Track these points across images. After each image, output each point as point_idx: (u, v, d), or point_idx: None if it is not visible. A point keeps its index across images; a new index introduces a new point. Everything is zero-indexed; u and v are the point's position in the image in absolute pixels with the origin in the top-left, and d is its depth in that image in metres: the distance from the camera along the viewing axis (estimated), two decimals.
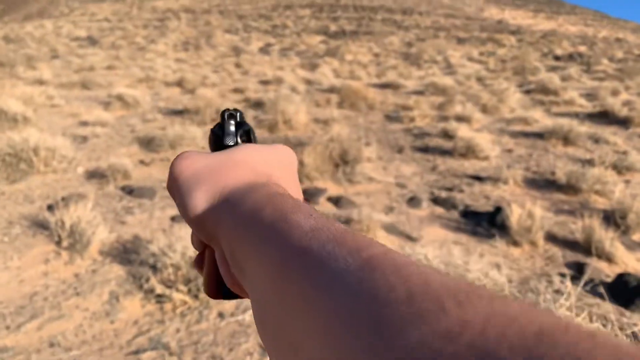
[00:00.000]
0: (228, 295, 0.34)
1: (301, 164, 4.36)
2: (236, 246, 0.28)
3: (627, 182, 4.65)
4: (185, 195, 0.33)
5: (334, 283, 0.20)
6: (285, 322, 0.22)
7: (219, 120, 0.40)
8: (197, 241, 0.36)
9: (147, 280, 2.54)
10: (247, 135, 0.39)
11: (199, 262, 0.36)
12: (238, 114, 0.39)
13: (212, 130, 0.39)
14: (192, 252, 2.61)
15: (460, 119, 7.05)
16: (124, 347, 2.12)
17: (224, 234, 0.30)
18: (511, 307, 0.16)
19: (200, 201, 0.32)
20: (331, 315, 0.19)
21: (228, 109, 0.39)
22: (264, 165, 0.35)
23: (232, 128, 0.38)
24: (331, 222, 0.25)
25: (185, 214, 0.33)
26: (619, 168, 4.90)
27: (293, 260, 0.23)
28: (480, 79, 12.84)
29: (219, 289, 0.34)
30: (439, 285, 0.18)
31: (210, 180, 0.33)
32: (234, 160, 0.34)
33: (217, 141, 0.39)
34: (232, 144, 0.38)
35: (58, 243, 2.97)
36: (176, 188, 0.34)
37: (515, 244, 3.23)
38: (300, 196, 0.36)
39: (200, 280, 2.51)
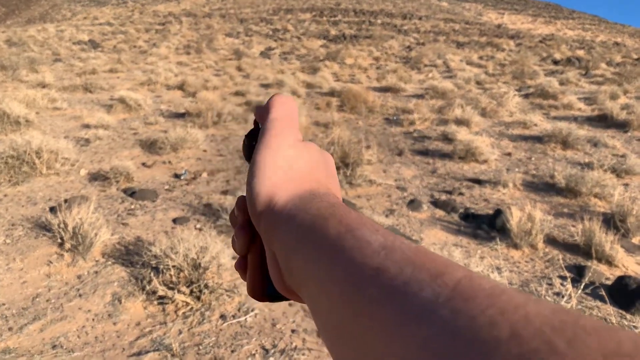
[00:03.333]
0: (274, 297, 0.33)
1: None
2: (296, 255, 0.27)
3: (625, 185, 4.67)
4: (264, 166, 0.33)
5: (427, 313, 0.19)
6: (366, 343, 0.21)
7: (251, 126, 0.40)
8: (240, 245, 0.35)
9: (150, 282, 2.55)
10: None
11: (242, 265, 0.36)
12: None
13: (247, 137, 0.39)
14: (194, 254, 2.62)
15: (460, 122, 7.07)
16: (126, 348, 2.13)
17: (279, 237, 0.29)
18: (624, 343, 0.15)
19: (266, 189, 0.32)
20: (428, 346, 0.18)
21: None
22: (323, 175, 0.35)
23: None
24: (399, 239, 0.24)
25: (252, 183, 0.33)
26: (618, 171, 4.91)
27: (369, 281, 0.22)
28: (479, 83, 12.88)
29: (264, 291, 0.34)
30: (540, 320, 0.17)
31: (286, 175, 0.33)
32: (308, 163, 0.34)
33: (253, 149, 0.38)
34: None
35: (61, 245, 2.98)
36: (267, 129, 0.34)
37: (516, 246, 3.24)
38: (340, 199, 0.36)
39: (202, 283, 2.52)
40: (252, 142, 0.38)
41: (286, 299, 0.32)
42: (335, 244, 0.25)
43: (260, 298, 0.34)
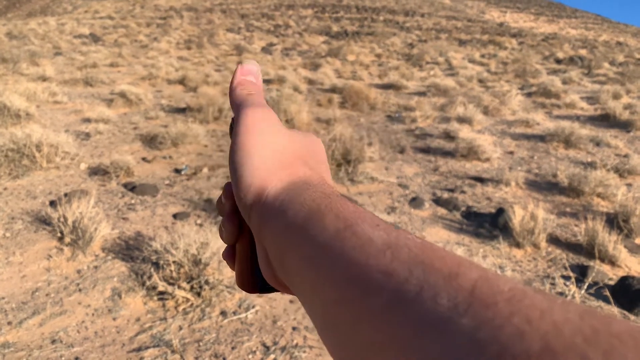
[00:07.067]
0: (264, 289, 0.32)
1: None
2: (290, 253, 0.25)
3: (629, 185, 4.65)
4: (247, 156, 0.30)
5: (445, 323, 0.17)
6: (374, 353, 0.19)
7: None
8: (227, 234, 0.33)
9: (150, 277, 2.54)
10: None
11: (230, 255, 0.34)
12: None
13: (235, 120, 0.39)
14: (195, 250, 2.60)
15: (462, 120, 7.05)
16: (126, 344, 2.12)
17: (271, 232, 0.27)
18: None
19: (255, 181, 0.30)
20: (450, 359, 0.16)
21: None
22: (315, 161, 0.33)
23: None
24: (403, 234, 0.22)
25: (236, 176, 0.30)
26: (620, 171, 4.89)
27: (377, 286, 0.19)
28: (481, 81, 12.83)
29: (255, 283, 0.33)
30: (570, 328, 0.15)
31: (274, 162, 0.30)
32: (296, 149, 0.32)
33: None
34: None
35: (60, 239, 2.96)
36: (243, 128, 0.31)
37: (518, 245, 3.23)
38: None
39: (203, 279, 2.50)
40: None
41: (276, 290, 0.31)
42: (333, 242, 0.23)
43: (250, 290, 0.33)
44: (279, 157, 0.31)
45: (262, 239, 0.29)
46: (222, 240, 0.34)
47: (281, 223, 0.26)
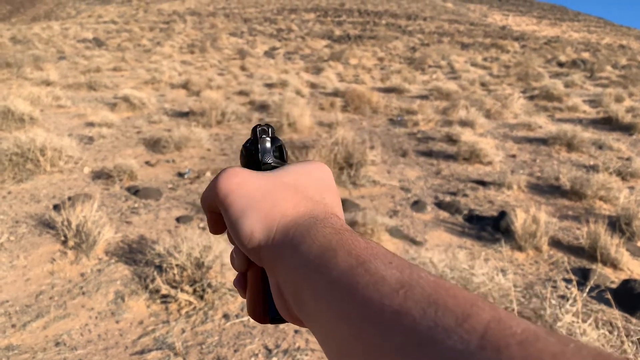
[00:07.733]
0: (275, 320, 0.32)
1: None
2: (304, 289, 0.26)
3: (631, 188, 4.64)
4: (238, 219, 0.31)
5: None
6: None
7: (249, 136, 0.39)
8: (239, 262, 0.34)
9: (153, 280, 2.55)
10: (280, 151, 0.38)
11: (241, 283, 0.35)
12: (270, 129, 0.38)
13: (245, 147, 0.38)
14: (198, 253, 2.62)
15: (464, 123, 7.05)
16: (129, 346, 2.13)
17: (285, 269, 0.28)
18: None
19: (256, 227, 0.30)
20: None
21: (259, 124, 0.38)
22: (315, 191, 0.33)
23: (268, 144, 0.37)
24: (416, 272, 0.22)
25: (237, 238, 0.31)
26: (623, 174, 4.88)
27: (391, 326, 0.20)
28: (484, 84, 12.84)
29: (266, 313, 0.33)
30: None
31: (265, 205, 0.31)
32: (285, 184, 0.33)
33: (251, 158, 0.38)
34: (271, 161, 0.37)
35: (64, 242, 2.98)
36: (224, 208, 0.32)
37: (520, 248, 3.22)
38: (342, 215, 0.35)
39: (206, 282, 2.51)
40: (250, 151, 0.37)
41: (287, 321, 0.32)
42: (347, 280, 0.23)
43: (262, 320, 0.33)
44: (272, 195, 0.31)
45: (275, 273, 0.29)
46: (234, 268, 0.35)
47: (294, 259, 0.27)
